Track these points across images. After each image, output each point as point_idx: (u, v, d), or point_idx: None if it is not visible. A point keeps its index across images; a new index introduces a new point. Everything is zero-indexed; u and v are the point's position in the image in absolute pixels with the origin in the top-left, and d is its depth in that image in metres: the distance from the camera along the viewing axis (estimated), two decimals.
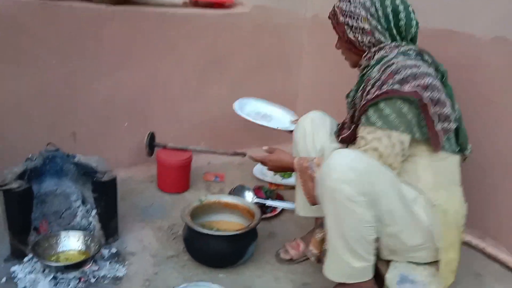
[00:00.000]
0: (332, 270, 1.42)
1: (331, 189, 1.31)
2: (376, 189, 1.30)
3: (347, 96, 1.60)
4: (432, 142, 1.37)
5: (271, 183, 2.34)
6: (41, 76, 2.10)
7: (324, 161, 1.37)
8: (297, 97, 2.83)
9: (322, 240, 1.59)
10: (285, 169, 1.62)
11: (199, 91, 2.53)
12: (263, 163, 1.67)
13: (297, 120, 2.04)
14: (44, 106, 2.15)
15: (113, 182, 1.72)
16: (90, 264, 1.58)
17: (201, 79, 2.52)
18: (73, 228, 1.74)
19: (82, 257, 1.60)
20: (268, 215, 2.04)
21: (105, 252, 1.70)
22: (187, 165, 2.20)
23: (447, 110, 1.37)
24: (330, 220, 1.36)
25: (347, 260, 1.36)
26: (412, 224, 1.38)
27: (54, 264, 1.51)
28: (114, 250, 1.73)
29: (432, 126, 1.35)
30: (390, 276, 1.43)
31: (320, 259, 1.60)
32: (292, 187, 2.24)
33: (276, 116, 2.16)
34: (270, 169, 1.67)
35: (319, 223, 1.69)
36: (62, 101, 2.18)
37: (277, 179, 2.37)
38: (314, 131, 1.69)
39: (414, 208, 1.37)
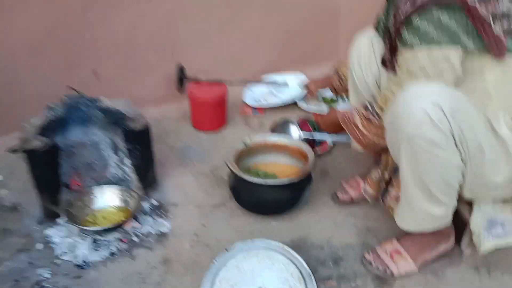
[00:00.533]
0: (408, 220, 1.23)
1: (409, 135, 1.08)
2: (463, 125, 1.06)
3: (377, 26, 1.40)
4: (492, 49, 1.10)
5: (317, 114, 2.09)
6: (53, 9, 1.84)
7: (392, 100, 1.14)
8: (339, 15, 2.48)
9: (380, 180, 1.39)
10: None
11: (231, 19, 2.22)
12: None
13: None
14: (59, 44, 1.91)
15: (146, 131, 1.52)
16: (131, 221, 1.44)
17: (233, 6, 2.20)
18: (108, 180, 1.58)
19: (121, 215, 1.46)
20: (318, 151, 1.83)
21: (146, 205, 1.56)
22: (223, 100, 1.97)
23: (503, 5, 1.08)
24: (406, 169, 1.14)
25: (426, 208, 1.16)
26: (502, 156, 1.14)
27: (91, 229, 1.37)
28: (155, 202, 1.58)
29: (487, 30, 1.07)
30: (476, 221, 1.22)
31: (377, 199, 1.42)
32: None
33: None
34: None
35: (376, 160, 1.49)
36: (79, 37, 1.93)
37: (323, 108, 2.12)
38: (370, 53, 1.42)
39: (501, 133, 1.13)
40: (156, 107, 2.15)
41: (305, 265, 1.21)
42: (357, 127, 1.31)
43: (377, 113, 1.27)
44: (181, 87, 2.05)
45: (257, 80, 2.25)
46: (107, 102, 1.66)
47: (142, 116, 1.56)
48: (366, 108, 1.31)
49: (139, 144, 1.52)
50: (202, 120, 1.99)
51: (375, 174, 1.44)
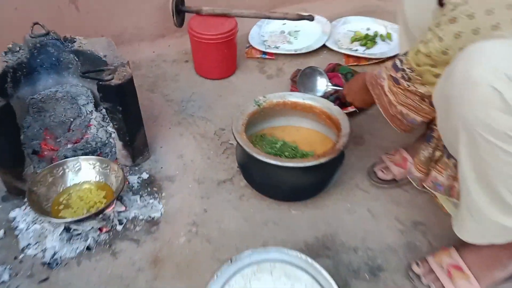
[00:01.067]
0: (470, 231, 0.90)
1: (468, 123, 0.74)
2: None
3: None
4: None
5: (348, 55, 1.69)
6: None
7: (449, 66, 0.80)
8: None
9: (429, 159, 1.05)
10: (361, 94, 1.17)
11: None
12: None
13: None
14: None
15: (128, 86, 1.16)
16: (114, 204, 1.14)
17: None
18: (88, 145, 1.26)
19: (101, 195, 1.15)
20: (349, 109, 1.46)
21: (133, 180, 1.24)
22: (232, 39, 1.57)
23: None
24: (466, 167, 0.82)
25: (495, 218, 0.83)
26: None
27: (60, 221, 1.07)
28: (145, 176, 1.26)
29: None
30: None
31: (424, 185, 1.08)
32: (383, 61, 1.63)
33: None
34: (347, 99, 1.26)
35: (426, 133, 1.13)
36: None
37: (358, 48, 1.72)
38: None
39: None
40: (152, 43, 1.77)
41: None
42: (384, 91, 1.02)
43: (407, 74, 0.93)
44: (181, 20, 1.64)
45: (273, 14, 1.82)
46: (83, 42, 1.29)
47: (124, 63, 1.19)
48: (395, 66, 0.97)
49: (119, 102, 1.17)
50: (206, 65, 1.61)
51: (425, 151, 1.09)
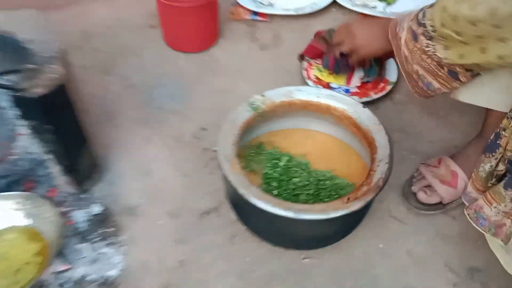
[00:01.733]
0: None
1: None
2: None
3: None
4: None
5: (364, 14, 1.29)
6: None
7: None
8: None
9: (490, 175, 0.72)
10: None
11: None
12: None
13: None
14: None
15: (61, 93, 0.77)
16: (50, 261, 0.79)
17: None
18: (18, 168, 0.89)
19: (32, 250, 0.81)
20: (372, 91, 1.10)
21: (80, 216, 0.89)
22: (212, 1, 1.16)
23: None
24: None
25: None
26: None
27: None
28: (96, 208, 0.91)
29: None
30: None
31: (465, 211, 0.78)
32: None
33: None
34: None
35: (486, 137, 0.80)
36: None
37: (376, 4, 1.31)
38: None
39: None
40: (106, 4, 1.34)
41: None
42: (400, 44, 0.77)
43: (429, 33, 0.69)
44: None
45: None
46: None
47: (54, 55, 0.79)
48: (417, 18, 0.72)
49: (47, 120, 0.79)
50: (179, 35, 1.20)
51: (487, 164, 0.75)
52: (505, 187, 0.68)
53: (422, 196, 0.89)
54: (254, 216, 0.79)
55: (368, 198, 0.71)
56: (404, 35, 0.75)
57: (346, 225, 0.79)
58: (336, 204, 0.71)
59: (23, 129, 0.89)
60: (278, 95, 0.88)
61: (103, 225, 0.89)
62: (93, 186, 0.94)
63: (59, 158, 0.85)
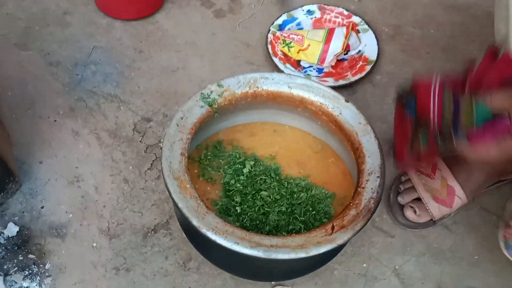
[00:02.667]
0: None
1: None
2: None
3: None
4: None
5: None
6: None
7: None
8: None
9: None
10: None
11: None
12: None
13: None
14: None
15: None
16: None
17: None
18: None
19: None
20: (349, 72, 0.94)
21: None
22: None
23: None
24: None
25: None
26: None
27: None
28: (12, 229, 0.71)
29: None
30: None
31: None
32: None
33: None
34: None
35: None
36: None
37: None
38: None
39: None
40: None
41: None
42: None
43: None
44: None
45: None
46: None
47: None
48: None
49: None
50: (114, 1, 0.97)
51: None
52: None
53: (410, 215, 0.76)
54: (213, 250, 0.62)
55: (358, 226, 0.56)
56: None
57: (329, 255, 0.64)
58: (318, 237, 0.55)
59: None
60: (239, 84, 0.70)
61: (22, 251, 0.70)
62: (7, 199, 0.74)
63: None
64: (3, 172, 0.73)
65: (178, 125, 0.65)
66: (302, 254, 0.54)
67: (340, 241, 0.55)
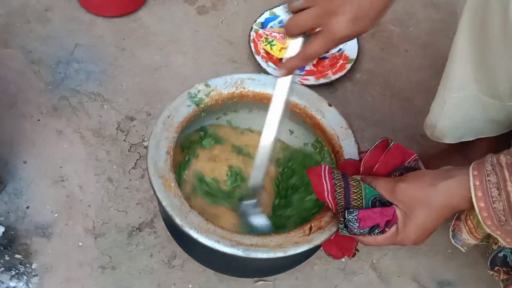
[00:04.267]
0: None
1: None
2: None
3: None
4: None
5: None
6: None
7: None
8: None
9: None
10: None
11: None
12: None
13: None
14: None
15: None
16: None
17: None
18: None
19: None
20: (330, 70, 0.96)
21: None
22: None
23: None
24: None
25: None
26: None
27: None
28: None
29: None
30: None
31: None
32: None
33: None
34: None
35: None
36: None
37: None
38: None
39: None
40: None
41: None
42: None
43: None
44: None
45: None
46: None
47: None
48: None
49: None
50: None
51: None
52: None
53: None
54: (196, 248, 0.64)
55: (334, 228, 0.58)
56: None
57: (307, 254, 0.67)
58: (296, 237, 0.58)
59: None
60: (226, 84, 0.71)
61: (7, 251, 0.71)
62: None
63: None
64: None
65: (164, 124, 0.66)
66: (280, 254, 0.56)
67: (317, 242, 0.57)
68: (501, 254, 0.59)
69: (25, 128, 0.83)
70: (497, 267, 0.60)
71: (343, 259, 0.76)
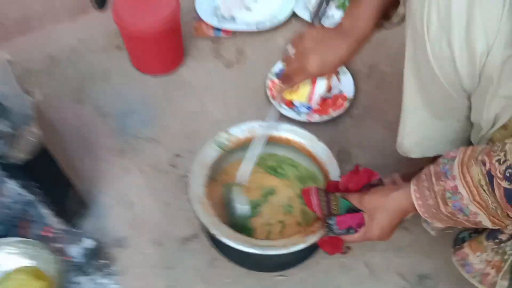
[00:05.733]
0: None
1: None
2: None
3: None
4: None
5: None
6: None
7: None
8: None
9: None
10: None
11: None
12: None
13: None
14: None
15: (41, 155, 0.83)
16: None
17: None
18: (8, 211, 0.96)
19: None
20: (331, 108, 1.20)
21: (75, 251, 0.98)
22: (175, 26, 1.20)
23: None
24: None
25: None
26: None
27: None
28: (89, 243, 0.99)
29: None
30: None
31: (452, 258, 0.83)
32: None
33: None
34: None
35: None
36: None
37: (337, 14, 1.38)
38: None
39: None
40: (70, 26, 1.35)
41: None
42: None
43: None
44: (102, 1, 1.22)
45: None
46: None
47: (29, 117, 0.84)
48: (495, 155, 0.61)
49: (31, 179, 0.86)
50: (144, 59, 1.25)
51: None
52: (487, 238, 0.76)
53: None
54: (228, 249, 0.89)
55: (322, 232, 0.83)
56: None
57: (308, 251, 0.91)
58: (295, 239, 0.83)
59: (7, 184, 0.96)
60: (242, 131, 0.97)
61: (97, 258, 0.98)
62: (83, 221, 1.03)
63: (48, 204, 0.93)
64: (79, 202, 1.01)
65: (198, 164, 0.92)
66: (284, 251, 0.81)
67: (311, 241, 0.82)
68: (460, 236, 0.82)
69: (101, 167, 1.11)
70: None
71: (343, 259, 0.99)
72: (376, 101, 1.23)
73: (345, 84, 1.23)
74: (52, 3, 1.33)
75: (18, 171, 0.83)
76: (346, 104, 1.20)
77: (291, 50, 0.88)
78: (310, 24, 1.28)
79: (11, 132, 0.81)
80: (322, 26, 0.96)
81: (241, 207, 0.91)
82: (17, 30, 1.31)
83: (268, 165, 1.00)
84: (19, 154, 0.81)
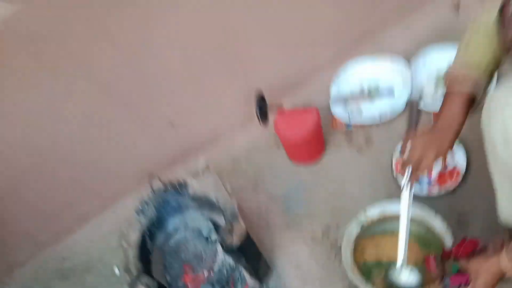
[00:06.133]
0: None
1: None
2: None
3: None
4: None
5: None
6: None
7: None
8: None
9: None
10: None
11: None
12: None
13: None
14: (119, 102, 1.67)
15: (247, 240, 1.32)
16: None
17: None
18: (222, 274, 1.48)
19: None
20: (448, 180, 1.48)
21: None
22: (318, 131, 1.64)
23: None
24: None
25: None
26: None
27: None
28: None
29: None
30: None
31: None
32: None
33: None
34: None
35: None
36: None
37: None
38: None
39: None
40: (242, 133, 1.87)
41: None
42: None
43: None
44: (265, 119, 1.72)
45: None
46: (194, 183, 1.46)
47: (236, 215, 1.34)
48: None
49: (240, 254, 1.34)
50: (298, 155, 1.71)
51: None
52: None
53: None
54: None
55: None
56: None
57: None
58: None
59: (219, 246, 1.48)
60: (375, 212, 1.35)
61: None
62: (268, 279, 1.49)
63: (247, 269, 1.42)
64: (265, 266, 1.48)
65: (346, 239, 1.32)
66: None
67: None
68: None
69: (275, 240, 1.57)
70: None
71: None
72: (488, 171, 1.47)
73: (458, 158, 1.50)
74: (228, 116, 1.88)
75: (233, 251, 1.33)
76: (460, 176, 1.48)
77: (408, 146, 1.20)
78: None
79: (227, 226, 1.32)
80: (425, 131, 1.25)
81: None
82: (208, 140, 1.88)
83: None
84: (235, 240, 1.30)
